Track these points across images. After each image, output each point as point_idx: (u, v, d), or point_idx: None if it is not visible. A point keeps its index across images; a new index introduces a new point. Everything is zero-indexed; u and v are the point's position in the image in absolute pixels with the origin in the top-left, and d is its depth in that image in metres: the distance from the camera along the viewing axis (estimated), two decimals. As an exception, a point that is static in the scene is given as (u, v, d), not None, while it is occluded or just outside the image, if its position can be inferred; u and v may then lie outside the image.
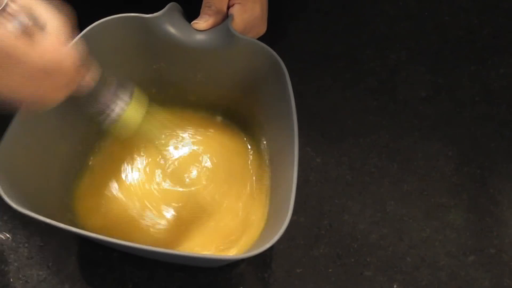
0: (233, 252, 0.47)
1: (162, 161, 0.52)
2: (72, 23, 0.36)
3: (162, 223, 0.48)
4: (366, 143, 0.56)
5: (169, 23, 0.48)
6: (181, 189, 0.50)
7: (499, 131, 0.58)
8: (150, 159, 0.52)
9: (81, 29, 0.45)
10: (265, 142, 0.51)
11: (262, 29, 0.53)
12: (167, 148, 0.52)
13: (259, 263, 0.48)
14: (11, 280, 0.47)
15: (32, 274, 0.47)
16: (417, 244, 0.50)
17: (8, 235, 0.49)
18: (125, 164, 0.51)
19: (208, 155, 0.52)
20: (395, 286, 0.48)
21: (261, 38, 0.50)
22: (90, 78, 0.38)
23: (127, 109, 0.40)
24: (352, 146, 0.56)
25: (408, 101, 0.59)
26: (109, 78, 0.40)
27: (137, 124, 0.41)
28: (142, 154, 0.52)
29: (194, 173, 0.51)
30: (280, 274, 0.48)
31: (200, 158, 0.52)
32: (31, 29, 0.32)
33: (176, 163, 0.52)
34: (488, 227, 0.52)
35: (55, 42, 0.33)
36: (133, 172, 0.51)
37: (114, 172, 0.51)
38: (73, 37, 0.36)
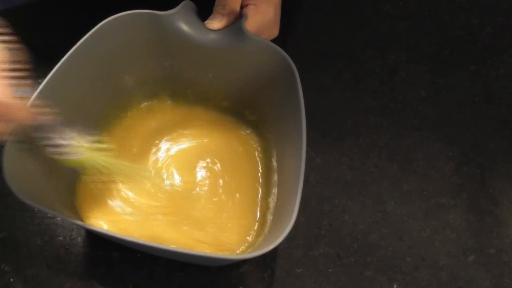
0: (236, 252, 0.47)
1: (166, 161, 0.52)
2: (21, 61, 0.37)
3: (167, 221, 0.48)
4: (366, 143, 0.56)
5: (182, 21, 0.49)
6: (185, 189, 0.50)
7: (499, 131, 0.58)
8: (154, 159, 0.52)
9: (92, 26, 0.45)
10: (273, 142, 0.51)
11: (274, 32, 0.54)
12: (171, 150, 0.52)
13: (259, 263, 0.48)
14: (11, 280, 0.47)
15: (32, 274, 0.47)
16: (417, 244, 0.50)
17: (8, 235, 0.49)
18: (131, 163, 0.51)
19: (216, 154, 0.52)
20: (395, 286, 0.48)
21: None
22: (36, 116, 0.39)
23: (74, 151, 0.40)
24: (352, 146, 0.56)
25: (408, 101, 0.59)
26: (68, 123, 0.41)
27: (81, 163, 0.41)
28: (147, 154, 0.52)
29: (201, 172, 0.51)
30: (280, 274, 0.48)
31: (208, 157, 0.52)
32: None
33: (182, 162, 0.52)
34: (488, 227, 0.52)
35: None
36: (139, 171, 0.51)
37: None
38: (13, 74, 0.36)
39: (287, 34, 0.63)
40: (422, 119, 0.58)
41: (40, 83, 0.58)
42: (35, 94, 0.42)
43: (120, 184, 0.49)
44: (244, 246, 0.47)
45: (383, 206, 0.52)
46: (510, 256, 0.50)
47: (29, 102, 0.41)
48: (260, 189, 0.50)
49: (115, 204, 0.48)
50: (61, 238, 0.49)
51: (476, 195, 0.53)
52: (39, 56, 0.55)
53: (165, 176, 0.51)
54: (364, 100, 0.59)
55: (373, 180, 0.54)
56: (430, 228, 0.51)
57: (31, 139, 0.39)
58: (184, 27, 0.49)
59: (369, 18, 0.66)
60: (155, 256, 0.48)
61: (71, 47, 0.45)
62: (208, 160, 0.52)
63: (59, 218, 0.50)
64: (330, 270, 0.49)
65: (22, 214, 0.50)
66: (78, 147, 0.41)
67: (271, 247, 0.37)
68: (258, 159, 0.52)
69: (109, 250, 0.48)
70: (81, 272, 0.48)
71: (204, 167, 0.51)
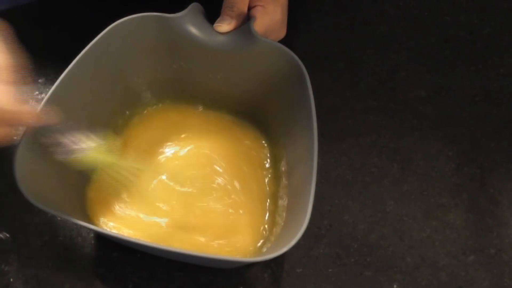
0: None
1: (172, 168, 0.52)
2: (23, 68, 0.37)
3: (173, 223, 0.48)
4: (366, 143, 0.56)
5: (190, 24, 0.49)
6: (194, 191, 0.50)
7: (499, 131, 0.58)
8: (163, 161, 0.52)
9: (101, 29, 0.46)
10: (283, 145, 0.51)
11: (282, 33, 0.54)
12: (179, 153, 0.52)
13: (259, 263, 0.48)
14: (11, 280, 0.47)
15: (32, 274, 0.47)
16: (417, 244, 0.50)
17: (8, 235, 0.49)
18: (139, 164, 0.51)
19: (225, 157, 0.52)
20: (395, 286, 0.48)
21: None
22: (44, 120, 0.39)
23: (83, 151, 0.41)
24: (352, 146, 0.56)
25: (408, 101, 0.59)
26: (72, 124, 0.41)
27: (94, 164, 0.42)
28: (155, 156, 0.52)
29: (209, 176, 0.51)
30: (280, 274, 0.48)
31: (216, 161, 0.51)
32: None
33: (189, 166, 0.51)
34: (488, 227, 0.52)
35: None
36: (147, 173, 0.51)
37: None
38: (17, 81, 0.37)
39: (287, 35, 0.63)
40: (422, 119, 0.58)
41: (40, 83, 0.58)
42: (45, 98, 0.42)
43: (129, 185, 0.49)
44: (252, 249, 0.47)
45: (383, 206, 0.52)
46: (510, 256, 0.50)
47: (39, 106, 0.41)
48: (269, 193, 0.50)
49: (123, 207, 0.49)
50: (61, 238, 0.49)
51: (476, 195, 0.53)
52: (46, 58, 0.56)
53: (171, 182, 0.50)
54: (364, 100, 0.59)
55: (373, 180, 0.54)
56: (430, 228, 0.51)
57: (40, 143, 0.40)
58: (193, 29, 0.49)
59: (369, 18, 0.66)
60: (155, 256, 0.48)
61: (79, 50, 0.45)
62: (217, 163, 0.51)
63: (59, 218, 0.50)
64: (330, 270, 0.49)
65: (23, 214, 0.50)
66: (86, 148, 0.41)
67: (283, 250, 0.37)
68: (267, 162, 0.52)
69: (109, 250, 0.48)
70: (81, 272, 0.48)
71: (213, 171, 0.51)
